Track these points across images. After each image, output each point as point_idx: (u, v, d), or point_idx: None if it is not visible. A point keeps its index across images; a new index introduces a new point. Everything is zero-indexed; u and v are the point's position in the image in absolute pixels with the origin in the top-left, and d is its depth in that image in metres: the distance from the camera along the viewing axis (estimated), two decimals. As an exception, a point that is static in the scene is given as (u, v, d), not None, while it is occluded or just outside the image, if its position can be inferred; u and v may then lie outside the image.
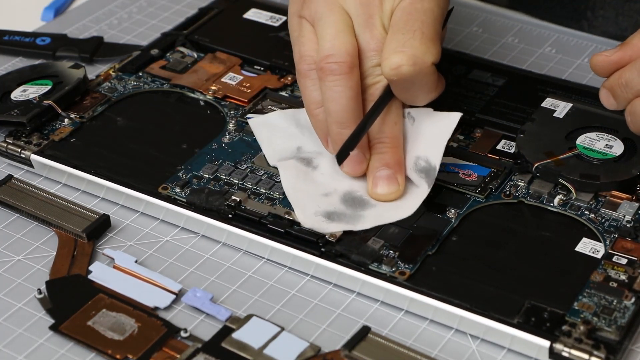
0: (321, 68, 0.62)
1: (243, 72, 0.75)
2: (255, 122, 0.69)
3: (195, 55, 0.77)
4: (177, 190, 0.65)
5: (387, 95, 0.63)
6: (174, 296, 0.60)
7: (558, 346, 0.55)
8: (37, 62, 0.79)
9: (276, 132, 0.68)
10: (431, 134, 0.64)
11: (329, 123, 0.63)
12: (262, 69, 0.76)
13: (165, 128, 0.71)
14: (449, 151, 0.67)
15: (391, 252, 0.60)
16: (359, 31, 0.63)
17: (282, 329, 0.57)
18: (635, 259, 0.59)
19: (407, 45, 0.61)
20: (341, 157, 0.63)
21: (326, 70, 0.62)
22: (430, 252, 0.61)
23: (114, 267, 0.62)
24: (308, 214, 0.62)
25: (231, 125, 0.70)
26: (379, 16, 0.63)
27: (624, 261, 0.59)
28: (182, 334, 0.57)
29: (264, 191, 0.65)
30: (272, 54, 0.76)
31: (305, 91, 0.65)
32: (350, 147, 0.63)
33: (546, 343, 0.55)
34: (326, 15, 0.63)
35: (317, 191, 0.64)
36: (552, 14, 0.83)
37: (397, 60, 0.60)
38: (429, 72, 0.61)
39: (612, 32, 0.81)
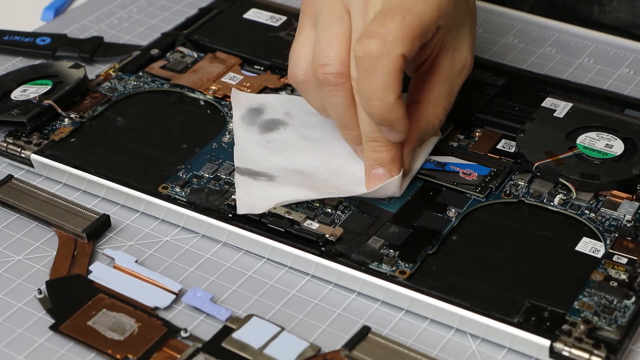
0: (317, 76, 0.62)
1: (243, 72, 0.75)
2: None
3: (195, 55, 0.77)
4: (177, 189, 0.65)
5: None
6: (174, 296, 0.60)
7: (558, 345, 0.55)
8: (37, 62, 0.79)
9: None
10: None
11: (336, 123, 0.64)
12: (262, 68, 0.76)
13: (165, 128, 0.71)
14: (449, 151, 0.67)
15: (391, 251, 0.60)
16: (354, 18, 0.62)
17: (282, 329, 0.57)
18: (636, 258, 0.59)
19: (383, 26, 0.59)
20: None
21: (321, 79, 0.62)
22: (430, 251, 0.61)
23: (114, 267, 0.62)
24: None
25: (231, 125, 0.70)
26: (373, 4, 0.61)
27: (624, 260, 0.59)
28: (182, 334, 0.57)
29: (264, 191, 0.65)
30: (272, 54, 0.76)
31: (305, 98, 0.66)
32: None
33: (546, 342, 0.55)
34: (325, 12, 0.62)
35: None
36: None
37: (367, 37, 0.59)
38: (395, 62, 0.59)
39: (624, 18, 0.80)
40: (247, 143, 0.67)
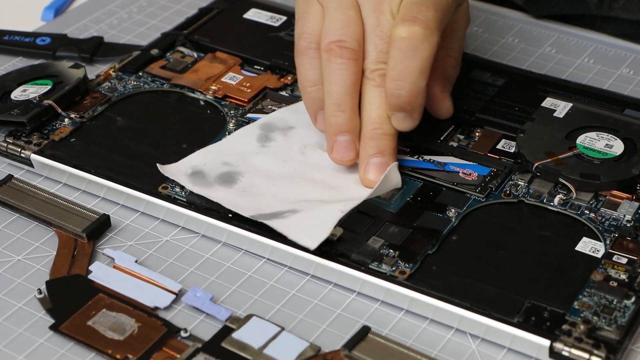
0: (330, 49, 0.62)
1: (243, 72, 0.75)
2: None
3: (195, 55, 0.77)
4: (177, 189, 0.65)
5: None
6: (174, 296, 0.60)
7: (558, 345, 0.55)
8: (37, 62, 0.79)
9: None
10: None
11: (327, 104, 0.63)
12: (262, 68, 0.76)
13: (165, 128, 0.71)
14: (449, 151, 0.67)
15: (391, 251, 0.60)
16: (366, 15, 0.63)
17: (282, 329, 0.57)
18: (636, 258, 0.59)
19: (422, 13, 0.61)
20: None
21: (335, 51, 0.62)
22: (430, 251, 0.61)
23: (114, 267, 0.62)
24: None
25: (231, 125, 0.70)
26: (389, 3, 0.63)
27: (624, 260, 0.59)
28: (182, 334, 0.57)
29: (264, 191, 0.65)
30: (272, 54, 0.76)
31: (302, 69, 0.65)
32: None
33: (546, 342, 0.55)
34: (336, 0, 0.64)
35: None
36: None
37: (410, 21, 0.61)
38: (433, 48, 0.61)
39: (624, 28, 0.80)
40: (227, 196, 0.63)
